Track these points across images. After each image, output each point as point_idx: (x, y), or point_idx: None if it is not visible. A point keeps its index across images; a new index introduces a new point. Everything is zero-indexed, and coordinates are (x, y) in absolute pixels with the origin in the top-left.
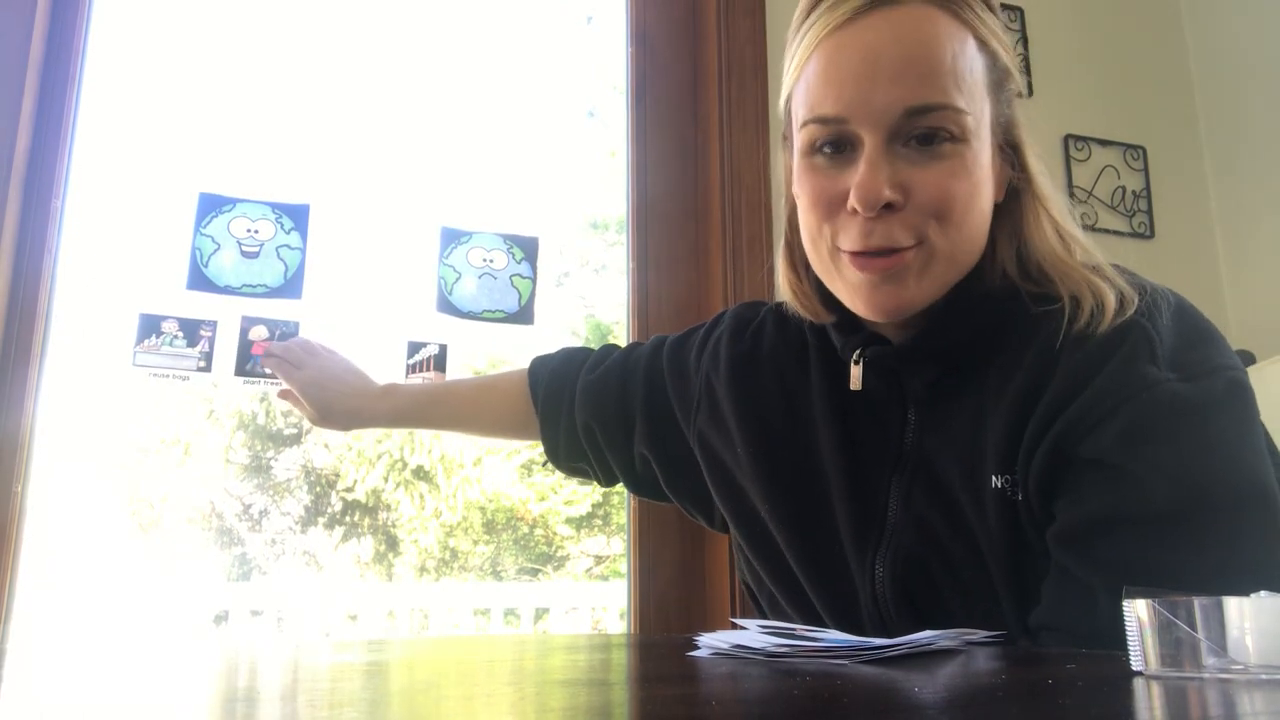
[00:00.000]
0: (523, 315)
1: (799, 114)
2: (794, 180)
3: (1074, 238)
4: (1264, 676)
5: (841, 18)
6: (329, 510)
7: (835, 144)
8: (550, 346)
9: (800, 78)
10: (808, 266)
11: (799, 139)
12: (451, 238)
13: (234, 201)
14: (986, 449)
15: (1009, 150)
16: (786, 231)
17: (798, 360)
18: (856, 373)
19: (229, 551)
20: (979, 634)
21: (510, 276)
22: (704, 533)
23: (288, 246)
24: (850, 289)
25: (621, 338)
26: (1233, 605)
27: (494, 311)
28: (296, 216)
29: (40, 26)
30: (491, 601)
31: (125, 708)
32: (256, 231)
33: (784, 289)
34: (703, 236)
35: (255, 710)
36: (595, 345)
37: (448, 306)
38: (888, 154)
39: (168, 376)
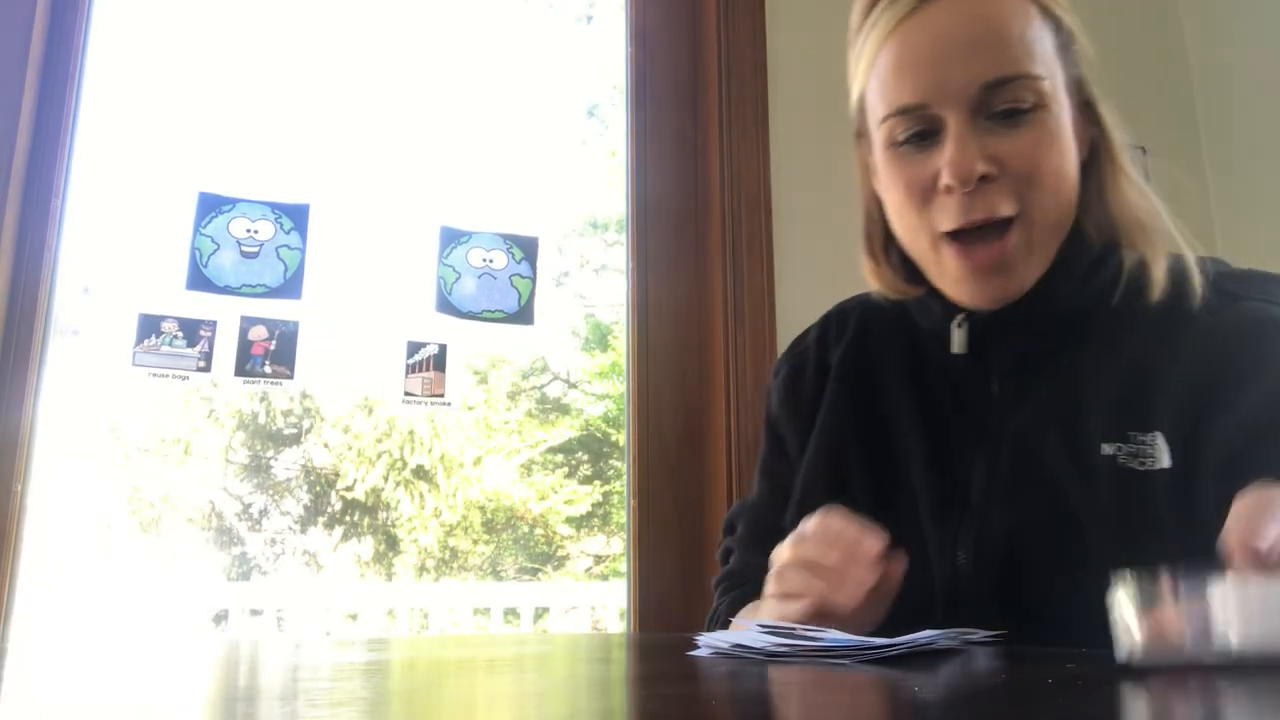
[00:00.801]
0: (522, 315)
1: (876, 110)
2: (879, 175)
3: (1143, 192)
4: (1248, 663)
5: (906, 8)
6: (329, 510)
7: (919, 133)
8: (550, 346)
9: (871, 74)
10: (885, 250)
11: (879, 134)
12: (451, 237)
13: (234, 201)
14: (1092, 416)
15: (1086, 109)
16: (865, 222)
17: (882, 339)
18: (960, 336)
19: (229, 551)
20: (979, 634)
21: (510, 276)
22: (704, 533)
23: (288, 246)
24: (954, 281)
25: (621, 338)
26: (1216, 592)
27: (494, 311)
28: (296, 216)
29: (40, 26)
30: (491, 601)
31: (125, 708)
32: (256, 231)
33: (867, 275)
34: (703, 236)
35: (255, 710)
36: (595, 344)
37: (447, 306)
38: (973, 129)
39: (167, 376)
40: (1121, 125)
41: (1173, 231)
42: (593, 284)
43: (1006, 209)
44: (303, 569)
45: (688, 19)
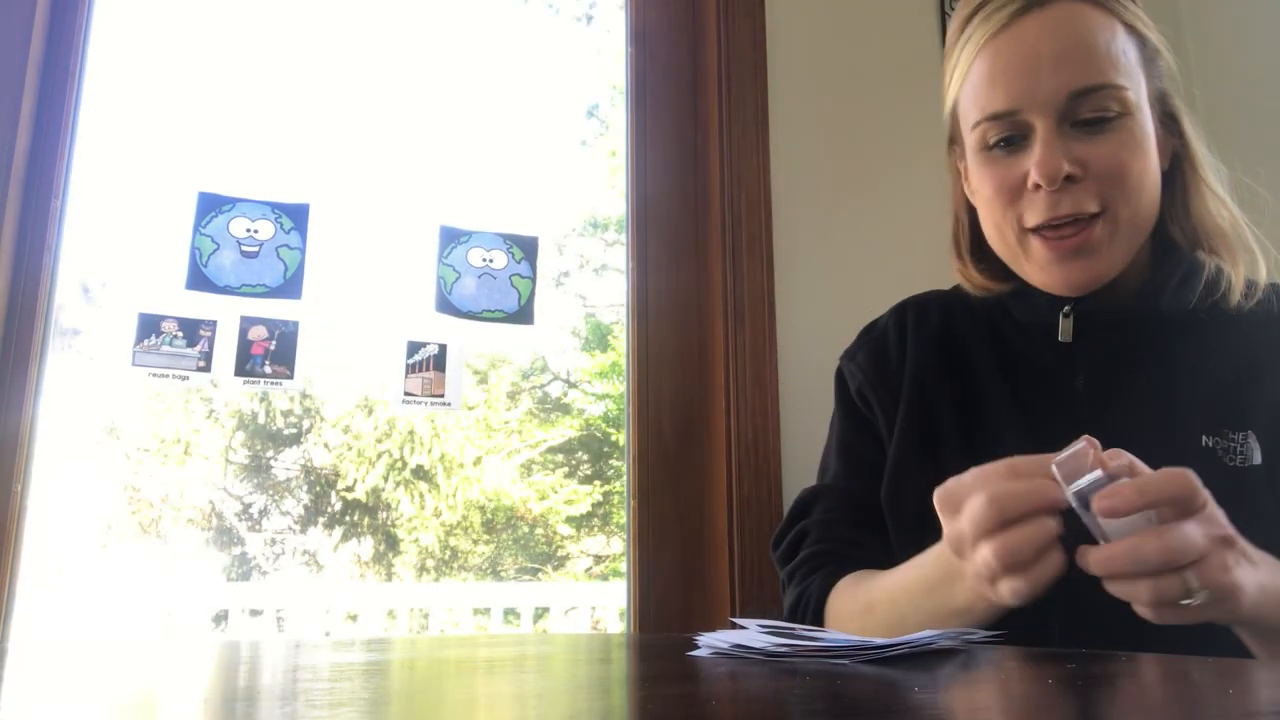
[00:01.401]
0: (522, 315)
1: (969, 116)
2: (971, 177)
3: (1223, 201)
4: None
5: (999, 24)
6: (329, 510)
7: (1009, 138)
8: (550, 346)
9: (965, 83)
10: (972, 252)
11: (972, 139)
12: (451, 237)
13: (234, 201)
14: (1188, 413)
15: (1169, 120)
16: (953, 226)
17: (967, 328)
18: (1067, 325)
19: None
20: (979, 634)
21: (510, 276)
22: (704, 533)
23: (287, 246)
24: (1039, 268)
25: (621, 338)
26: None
27: (494, 311)
28: (296, 216)
29: (40, 26)
30: (491, 601)
31: (125, 708)
32: (256, 231)
33: (956, 275)
34: (702, 236)
35: (255, 710)
36: (595, 344)
37: (447, 306)
38: (1060, 134)
39: (167, 376)
40: (1203, 138)
41: (1251, 243)
42: (593, 284)
43: (1091, 207)
44: (303, 569)
45: (688, 19)
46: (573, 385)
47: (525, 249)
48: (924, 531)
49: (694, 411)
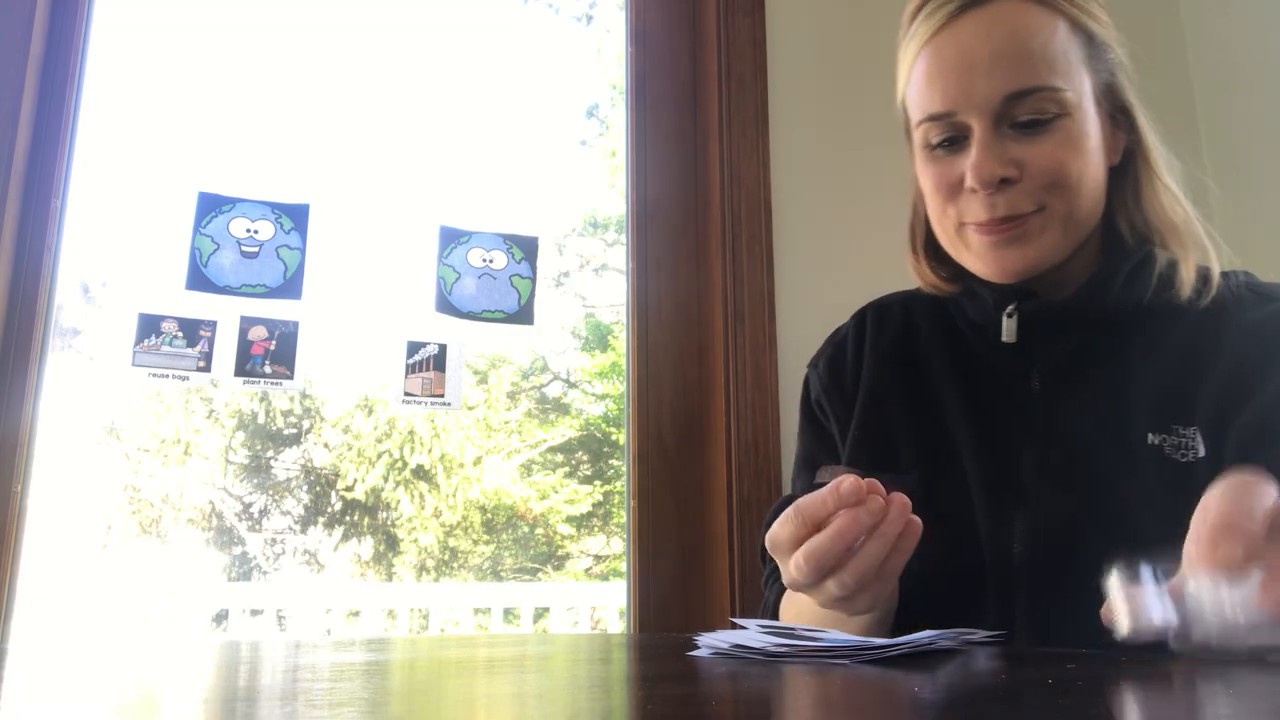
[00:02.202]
0: (522, 315)
1: (913, 114)
2: (916, 171)
3: (1176, 196)
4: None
5: (938, 24)
6: (329, 510)
7: (950, 138)
8: (550, 346)
9: (910, 81)
10: (927, 247)
11: (916, 136)
12: (451, 238)
13: (234, 201)
14: (1137, 409)
15: (1119, 115)
16: (910, 218)
17: (928, 330)
18: (1010, 325)
19: (229, 551)
20: (979, 634)
21: (510, 276)
22: (704, 533)
23: (288, 246)
24: (976, 255)
25: (621, 338)
26: (1192, 584)
27: (494, 311)
28: (296, 216)
29: (40, 26)
30: (491, 601)
31: (125, 708)
32: (256, 231)
33: (910, 270)
34: (703, 237)
35: (255, 710)
36: (595, 344)
37: (447, 306)
38: (997, 136)
39: (167, 376)
40: (1157, 130)
41: (1203, 238)
42: (593, 284)
43: (1027, 208)
44: (303, 569)
45: (688, 19)
46: (573, 385)
47: (525, 249)
48: None
49: (694, 412)
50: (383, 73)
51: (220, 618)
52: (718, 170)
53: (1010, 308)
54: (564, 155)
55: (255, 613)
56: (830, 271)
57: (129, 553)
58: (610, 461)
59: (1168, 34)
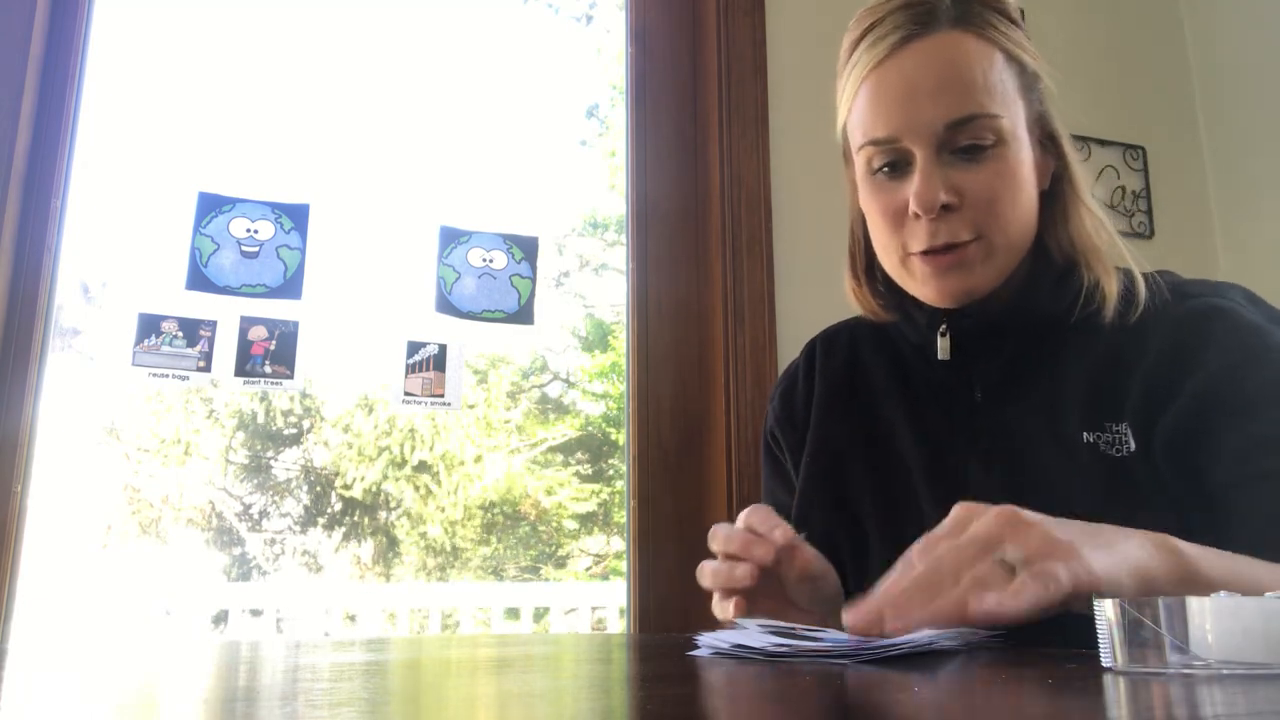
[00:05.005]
0: (522, 315)
1: (855, 139)
2: (860, 197)
3: (1100, 220)
4: (1224, 672)
5: (882, 53)
6: (329, 510)
7: (892, 163)
8: (550, 346)
9: (852, 109)
10: (867, 272)
11: (859, 160)
12: (451, 237)
13: (234, 201)
14: (1071, 410)
15: (1048, 142)
16: (850, 242)
17: (872, 357)
18: (944, 344)
19: (229, 552)
20: (979, 634)
21: (510, 276)
22: (704, 532)
23: (288, 246)
24: (921, 282)
25: (621, 338)
26: (1194, 604)
27: (494, 311)
28: (296, 216)
29: (40, 26)
30: (492, 601)
31: (125, 708)
32: (256, 231)
33: (848, 294)
34: (702, 236)
35: (255, 710)
36: (595, 344)
37: (447, 306)
38: (938, 163)
39: (167, 376)
40: (1081, 160)
41: (1124, 252)
42: (593, 284)
43: (966, 236)
44: (302, 569)
45: (688, 19)
46: (572, 385)
47: (525, 249)
48: (832, 564)
49: (694, 411)
50: (383, 73)
51: (220, 618)
52: (718, 170)
53: (942, 326)
54: (564, 155)
55: (255, 613)
56: (830, 271)
57: (129, 553)
58: (610, 461)
59: (1168, 34)
